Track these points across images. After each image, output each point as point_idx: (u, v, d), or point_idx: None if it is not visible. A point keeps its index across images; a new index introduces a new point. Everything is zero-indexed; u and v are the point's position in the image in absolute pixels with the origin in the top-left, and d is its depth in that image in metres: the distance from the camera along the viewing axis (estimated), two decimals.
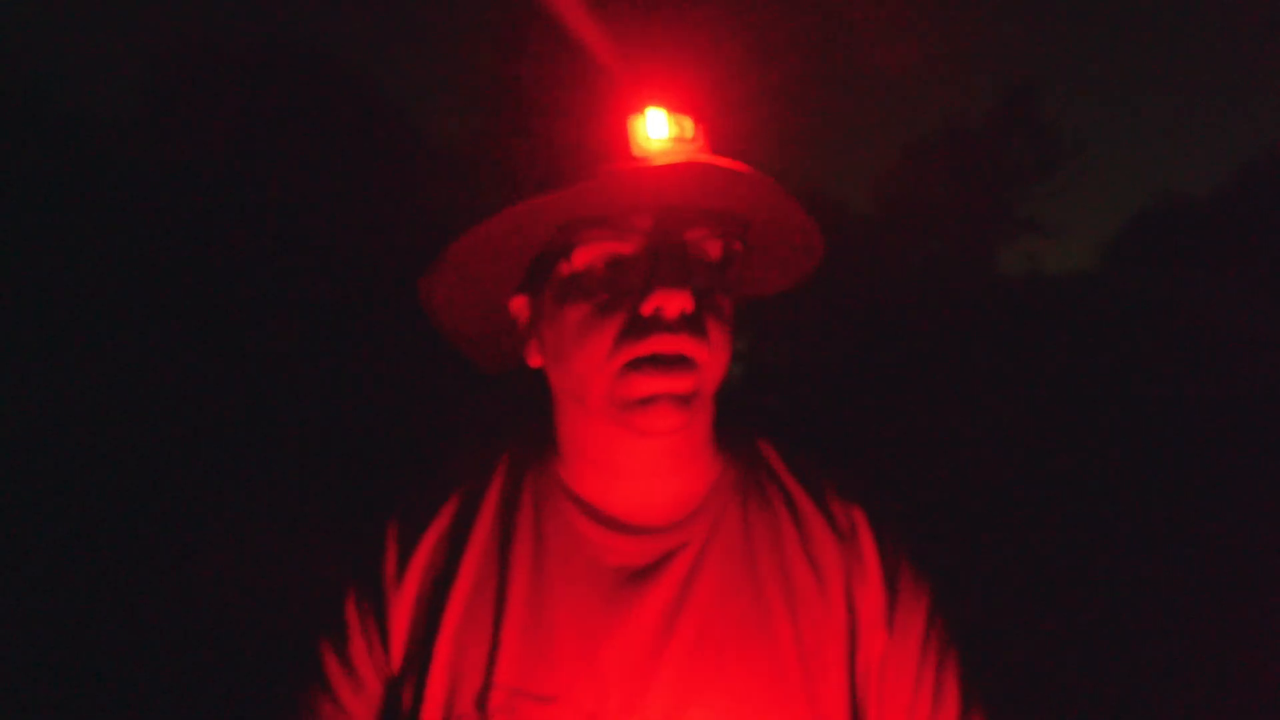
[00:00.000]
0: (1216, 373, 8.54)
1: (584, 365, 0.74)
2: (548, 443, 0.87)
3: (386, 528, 0.86)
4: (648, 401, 0.72)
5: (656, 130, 0.67)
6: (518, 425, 0.91)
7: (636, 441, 0.78)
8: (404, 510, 0.87)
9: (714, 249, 0.74)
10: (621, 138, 0.68)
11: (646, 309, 0.71)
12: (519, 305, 0.82)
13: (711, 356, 0.74)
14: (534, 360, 0.82)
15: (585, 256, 0.73)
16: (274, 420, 5.02)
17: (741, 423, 0.92)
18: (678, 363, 0.72)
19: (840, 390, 8.66)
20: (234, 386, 5.12)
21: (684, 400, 0.73)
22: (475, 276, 0.80)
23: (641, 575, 0.80)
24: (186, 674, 2.79)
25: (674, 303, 0.70)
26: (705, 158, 0.68)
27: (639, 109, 0.67)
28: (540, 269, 0.77)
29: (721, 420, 0.88)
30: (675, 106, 0.66)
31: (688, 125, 0.67)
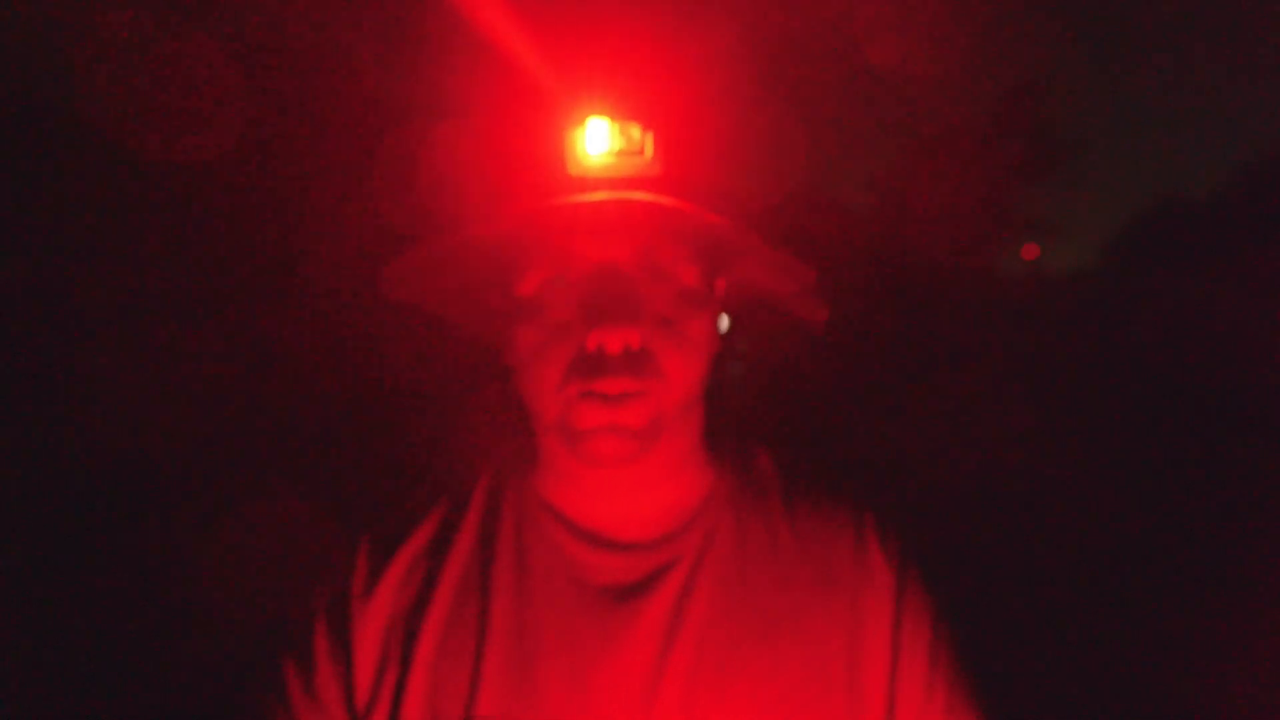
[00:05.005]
0: (1217, 372, 8.54)
1: (535, 392, 0.71)
2: (529, 455, 0.82)
3: (357, 542, 0.80)
4: (590, 433, 0.69)
5: (597, 144, 0.61)
6: (500, 436, 0.86)
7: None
8: (377, 524, 0.81)
9: (686, 270, 0.69)
10: (558, 155, 0.63)
11: (590, 345, 0.67)
12: (497, 301, 0.79)
13: (667, 386, 0.69)
14: (507, 359, 0.78)
15: (534, 280, 0.69)
16: (269, 420, 5.00)
17: (738, 429, 0.88)
18: (622, 397, 0.68)
19: (840, 390, 8.64)
20: (227, 386, 5.10)
21: (632, 433, 0.69)
22: (438, 283, 0.77)
23: (631, 594, 0.75)
24: (154, 687, 2.76)
25: (614, 340, 0.66)
26: (621, 195, 0.62)
27: (578, 120, 0.61)
28: (504, 278, 0.73)
29: (715, 426, 0.84)
30: (621, 114, 0.60)
31: (635, 135, 0.61)
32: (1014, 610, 3.25)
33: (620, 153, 0.61)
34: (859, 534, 0.81)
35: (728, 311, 0.83)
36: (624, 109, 0.60)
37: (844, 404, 8.18)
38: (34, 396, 4.67)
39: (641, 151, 0.61)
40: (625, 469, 0.74)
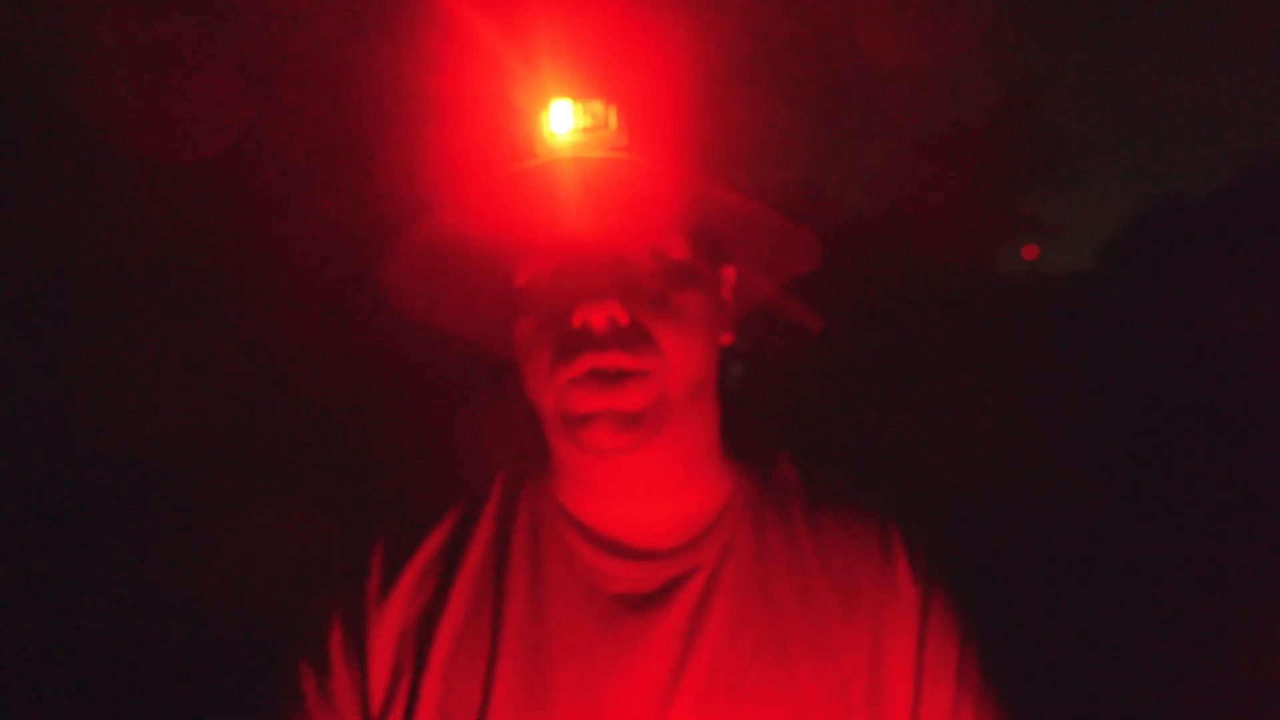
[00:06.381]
0: (1216, 373, 8.51)
1: (533, 381, 0.71)
2: (544, 460, 0.81)
3: (373, 546, 0.79)
4: (587, 419, 0.67)
5: (562, 124, 0.60)
6: (515, 438, 0.85)
7: (607, 461, 0.73)
8: (392, 528, 0.80)
9: (676, 245, 0.68)
10: (526, 137, 0.62)
11: (575, 322, 0.66)
12: (500, 304, 0.79)
13: (666, 364, 0.68)
14: (514, 356, 0.78)
15: (526, 268, 0.69)
16: (268, 422, 4.99)
17: (761, 433, 0.86)
18: (619, 377, 0.67)
19: (840, 390, 8.63)
20: (235, 387, 5.09)
21: (631, 419, 0.67)
22: (443, 281, 0.77)
23: (646, 604, 0.74)
24: (166, 689, 2.75)
25: (597, 315, 0.65)
26: (584, 152, 0.62)
27: (543, 103, 0.61)
28: (502, 278, 0.73)
29: (736, 431, 0.82)
30: (586, 93, 0.60)
31: (600, 112, 0.60)
32: (1042, 627, 3.18)
33: (586, 129, 0.60)
34: (884, 547, 0.78)
35: (736, 308, 0.81)
36: (587, 87, 0.60)
37: (842, 404, 8.17)
38: (34, 396, 4.67)
39: (606, 125, 0.60)
40: (633, 466, 0.73)
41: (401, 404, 4.81)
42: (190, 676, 2.71)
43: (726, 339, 0.77)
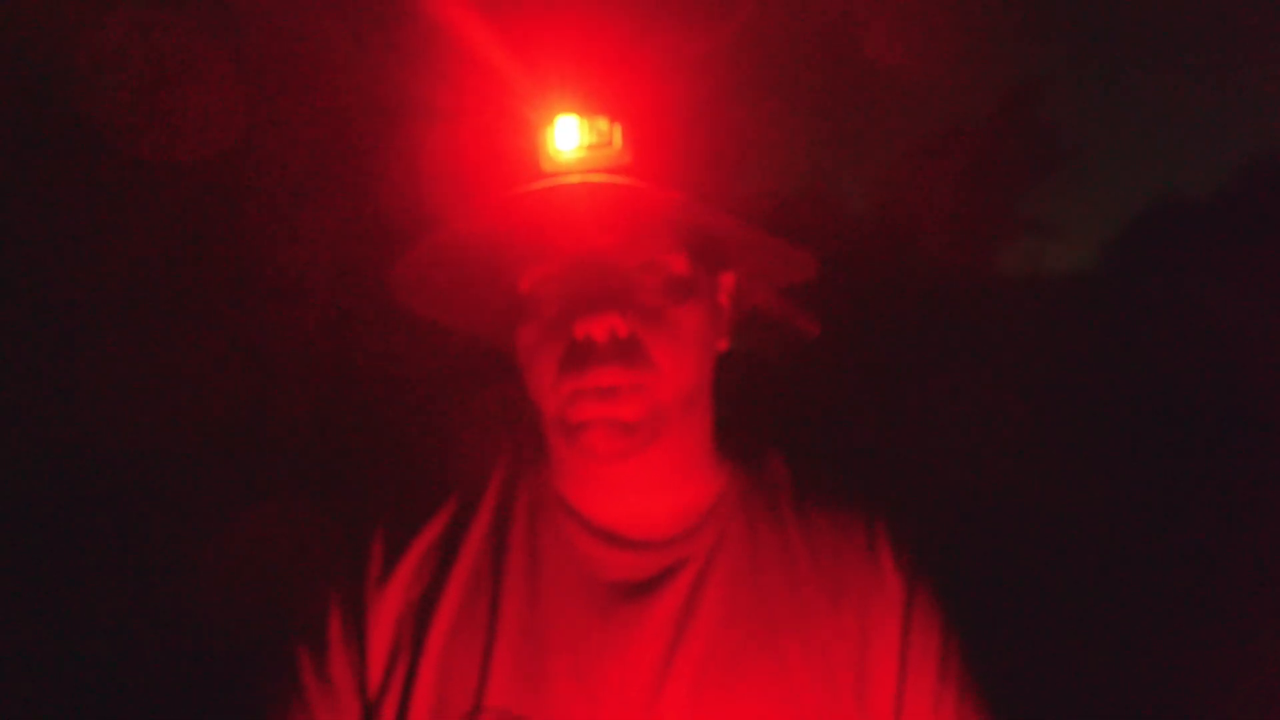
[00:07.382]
0: (1216, 373, 8.52)
1: (535, 389, 0.73)
2: (543, 449, 0.83)
3: (373, 532, 0.82)
4: (584, 426, 0.70)
5: (567, 140, 0.61)
6: (515, 429, 0.87)
7: (604, 463, 0.75)
8: (392, 514, 0.83)
9: (674, 259, 0.69)
10: (530, 153, 0.63)
11: (577, 334, 0.68)
12: (502, 302, 0.80)
13: (659, 377, 0.70)
14: (515, 358, 0.79)
15: (530, 277, 0.71)
16: (269, 407, 5.01)
17: (753, 429, 0.88)
18: (614, 390, 0.69)
19: (839, 390, 8.63)
20: (232, 383, 5.10)
21: (626, 427, 0.70)
22: (445, 287, 0.78)
23: (640, 592, 0.77)
24: (156, 679, 2.76)
25: (598, 329, 0.67)
26: (581, 176, 0.62)
27: (548, 118, 0.61)
28: (506, 278, 0.75)
29: (730, 427, 0.84)
30: (590, 109, 0.60)
31: (604, 127, 0.60)
32: (1025, 619, 3.20)
33: (591, 146, 0.61)
34: (870, 542, 0.81)
35: (738, 310, 0.83)
36: (592, 104, 0.60)
37: (842, 404, 8.17)
38: (34, 396, 4.68)
39: (610, 143, 0.61)
40: (630, 466, 0.75)
41: (403, 393, 4.81)
42: (189, 659, 2.72)
43: (723, 345, 0.79)
